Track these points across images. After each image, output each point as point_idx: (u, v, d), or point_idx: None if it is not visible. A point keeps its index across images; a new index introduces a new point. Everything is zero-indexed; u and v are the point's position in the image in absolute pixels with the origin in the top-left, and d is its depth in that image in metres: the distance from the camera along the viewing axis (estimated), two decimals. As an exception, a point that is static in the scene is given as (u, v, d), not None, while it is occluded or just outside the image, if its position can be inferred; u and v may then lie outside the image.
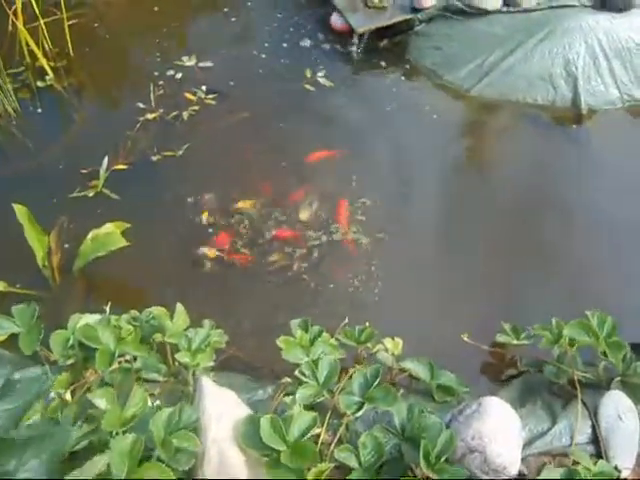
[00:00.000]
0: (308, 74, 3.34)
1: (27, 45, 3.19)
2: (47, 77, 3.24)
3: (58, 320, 2.09)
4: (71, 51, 3.37)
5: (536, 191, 2.81)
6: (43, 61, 3.20)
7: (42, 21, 3.23)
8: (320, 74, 3.34)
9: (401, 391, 1.78)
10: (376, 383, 1.57)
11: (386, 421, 1.62)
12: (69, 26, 3.33)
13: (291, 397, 1.58)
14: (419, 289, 2.44)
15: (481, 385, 2.11)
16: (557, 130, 3.16)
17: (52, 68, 3.26)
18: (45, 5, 3.26)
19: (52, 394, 1.60)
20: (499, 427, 1.53)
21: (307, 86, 3.29)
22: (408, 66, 3.41)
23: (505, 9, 3.40)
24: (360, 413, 1.53)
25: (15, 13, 3.01)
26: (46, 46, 3.34)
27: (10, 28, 3.18)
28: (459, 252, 2.57)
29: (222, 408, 1.50)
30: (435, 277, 2.48)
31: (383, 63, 3.43)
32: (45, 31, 3.28)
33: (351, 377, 1.71)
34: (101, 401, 1.37)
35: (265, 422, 1.42)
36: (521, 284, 2.46)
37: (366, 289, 2.42)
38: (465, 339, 2.02)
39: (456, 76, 3.33)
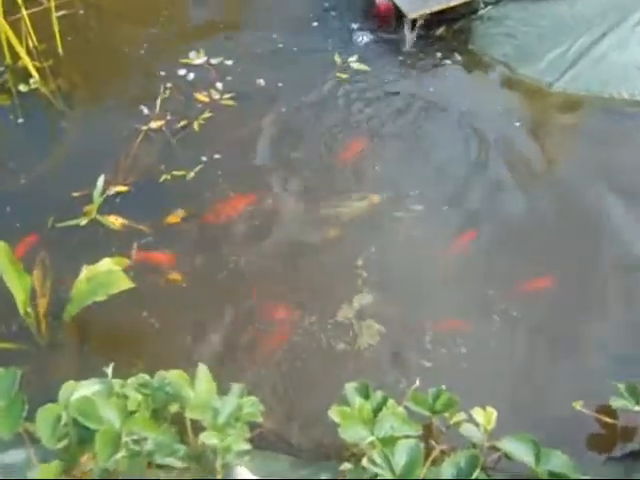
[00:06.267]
0: (339, 62, 3.23)
1: (7, 41, 3.07)
2: (31, 80, 3.12)
3: (45, 383, 1.94)
4: (60, 48, 3.26)
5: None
6: (26, 60, 3.08)
7: (25, 12, 3.13)
8: (360, 66, 3.20)
9: (499, 481, 1.57)
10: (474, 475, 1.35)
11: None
12: (57, 18, 3.23)
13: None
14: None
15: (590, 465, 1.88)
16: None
17: (37, 69, 3.15)
18: (29, -8, 3.16)
19: (38, 490, 1.41)
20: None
21: (342, 76, 3.17)
22: (472, 58, 3.24)
23: (592, -15, 3.22)
24: (456, 520, 1.30)
25: (-7, 3, 2.90)
26: (30, 43, 3.24)
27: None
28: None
29: (266, 511, 1.30)
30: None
31: (440, 54, 3.26)
32: (29, 24, 3.18)
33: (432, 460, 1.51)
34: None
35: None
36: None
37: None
38: (578, 408, 1.80)
39: (534, 69, 3.14)
